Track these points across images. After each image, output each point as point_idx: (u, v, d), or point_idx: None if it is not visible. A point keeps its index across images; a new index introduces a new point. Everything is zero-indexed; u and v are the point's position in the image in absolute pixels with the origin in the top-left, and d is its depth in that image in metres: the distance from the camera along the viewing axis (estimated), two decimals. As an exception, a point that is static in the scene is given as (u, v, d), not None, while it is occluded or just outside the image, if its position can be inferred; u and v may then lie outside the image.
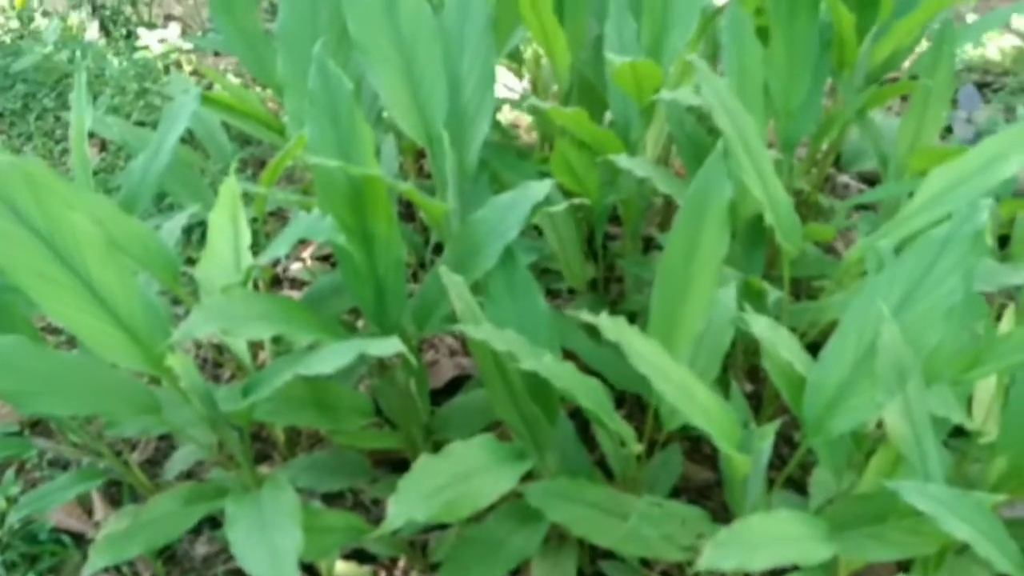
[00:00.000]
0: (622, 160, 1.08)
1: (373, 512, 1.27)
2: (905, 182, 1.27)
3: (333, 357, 0.73)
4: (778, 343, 0.91)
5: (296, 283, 1.77)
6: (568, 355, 1.36)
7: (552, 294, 1.56)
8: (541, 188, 1.00)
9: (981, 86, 2.95)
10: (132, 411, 0.90)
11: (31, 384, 0.85)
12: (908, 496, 0.78)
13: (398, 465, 1.23)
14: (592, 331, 1.44)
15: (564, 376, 0.83)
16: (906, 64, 2.33)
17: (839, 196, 1.98)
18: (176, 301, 1.51)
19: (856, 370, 0.85)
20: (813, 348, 0.97)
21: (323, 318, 0.90)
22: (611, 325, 0.76)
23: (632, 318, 1.46)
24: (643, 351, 0.76)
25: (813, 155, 1.57)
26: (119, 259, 0.84)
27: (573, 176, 1.22)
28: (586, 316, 0.79)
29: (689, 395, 0.78)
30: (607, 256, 1.57)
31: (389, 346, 0.72)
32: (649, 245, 1.66)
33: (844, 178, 1.97)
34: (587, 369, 1.19)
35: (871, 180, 1.95)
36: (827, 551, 0.80)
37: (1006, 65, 3.04)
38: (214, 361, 1.53)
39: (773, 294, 1.11)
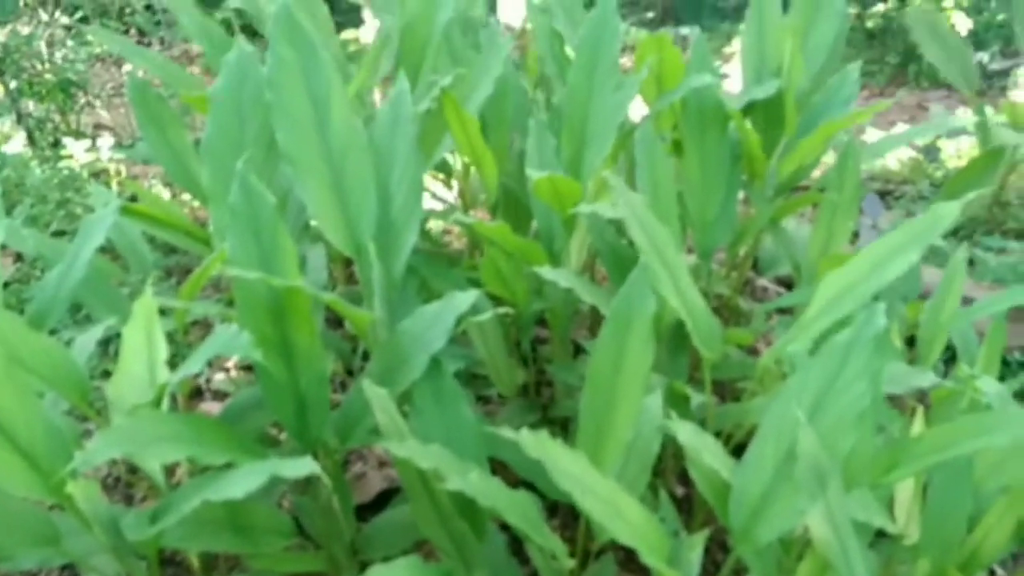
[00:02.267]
0: (546, 272, 1.10)
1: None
2: (811, 288, 1.33)
3: (244, 480, 0.70)
4: (703, 450, 0.91)
5: (219, 395, 1.71)
6: (498, 464, 1.34)
7: (482, 400, 1.55)
8: (466, 298, 1.01)
9: (883, 194, 3.15)
10: (29, 544, 0.84)
11: (-86, 516, 0.79)
12: (837, 608, 0.78)
13: (322, 588, 1.17)
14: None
15: (491, 494, 0.82)
16: (816, 172, 2.48)
17: (758, 299, 2.06)
18: (86, 418, 1.44)
19: (777, 476, 0.86)
20: (740, 449, 0.98)
21: (239, 436, 0.86)
22: (533, 442, 0.75)
23: (563, 424, 1.48)
24: (568, 467, 0.76)
25: (731, 261, 1.64)
26: (19, 379, 0.80)
27: (502, 284, 1.24)
28: (508, 433, 0.79)
29: (615, 511, 0.77)
30: (537, 360, 1.58)
31: (302, 467, 0.70)
32: (579, 349, 1.68)
33: (762, 281, 2.05)
34: (518, 479, 1.18)
35: (788, 284, 2.03)
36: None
37: (904, 175, 3.27)
38: (126, 481, 1.45)
39: (697, 398, 1.12)
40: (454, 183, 1.87)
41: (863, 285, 0.96)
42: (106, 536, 0.84)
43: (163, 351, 1.02)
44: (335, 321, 1.84)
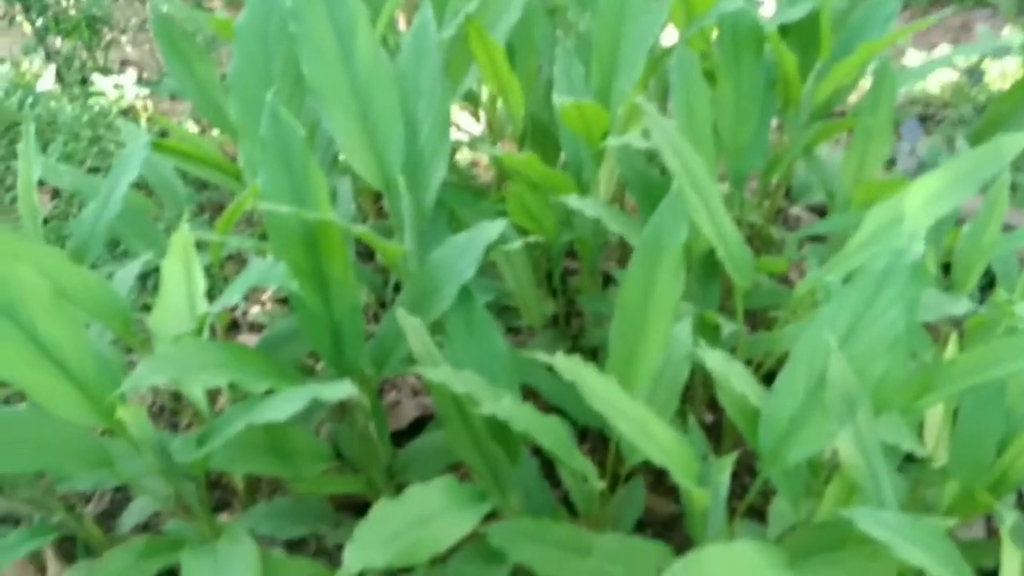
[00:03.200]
0: (573, 201, 1.09)
1: (336, 557, 1.25)
2: (850, 215, 1.31)
3: (286, 404, 0.72)
4: (732, 377, 0.92)
5: (255, 327, 1.75)
6: (529, 392, 1.37)
7: (512, 331, 1.57)
8: (495, 228, 1.01)
9: (923, 118, 3.06)
10: (84, 466, 0.88)
11: (-25, 442, 0.83)
12: (863, 524, 0.79)
13: (361, 509, 1.21)
14: (552, 367, 1.45)
15: (523, 418, 0.84)
16: (853, 97, 2.41)
17: (791, 227, 2.03)
18: (130, 350, 1.49)
19: (807, 401, 0.87)
20: (770, 377, 0.99)
21: (278, 364, 0.89)
22: (567, 364, 0.77)
23: (593, 353, 1.49)
24: (600, 390, 0.77)
25: (764, 189, 1.61)
26: (67, 311, 0.82)
27: (529, 216, 1.24)
28: (542, 356, 0.80)
29: (646, 432, 0.78)
30: (566, 291, 1.59)
31: (342, 390, 0.72)
32: (608, 279, 1.68)
33: (795, 210, 2.02)
34: (548, 406, 1.20)
35: (821, 211, 2.00)
36: (786, 582, 0.81)
37: (946, 98, 3.16)
38: (171, 409, 1.51)
39: (728, 327, 1.13)
40: (481, 113, 1.85)
41: (911, 219, 0.94)
42: (156, 459, 0.87)
43: (201, 283, 1.04)
44: (366, 254, 1.86)
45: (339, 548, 1.25)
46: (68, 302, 0.95)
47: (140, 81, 2.57)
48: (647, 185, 1.30)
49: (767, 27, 1.39)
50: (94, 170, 2.19)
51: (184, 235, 0.94)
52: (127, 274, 1.27)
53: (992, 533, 1.22)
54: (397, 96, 1.18)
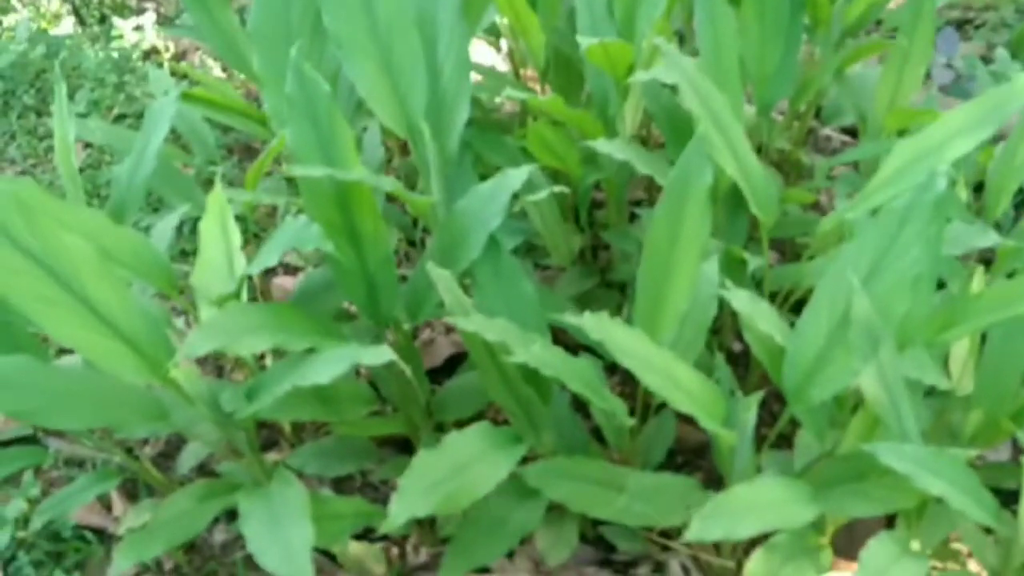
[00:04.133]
0: (600, 145, 1.09)
1: (382, 491, 1.32)
2: (882, 142, 1.29)
3: (328, 366, 0.76)
4: (757, 316, 0.94)
5: (290, 269, 1.79)
6: (558, 332, 1.40)
7: (540, 268, 1.59)
8: (519, 175, 1.02)
9: (962, 23, 2.93)
10: (140, 419, 0.94)
11: (39, 402, 0.89)
12: (885, 457, 0.82)
13: (403, 445, 1.27)
14: (581, 303, 1.48)
15: (553, 363, 0.87)
16: (892, 4, 2.32)
17: (821, 149, 2.00)
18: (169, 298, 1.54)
19: (831, 340, 0.89)
20: (799, 307, 1.00)
21: (318, 319, 0.93)
22: (595, 324, 0.79)
23: (621, 288, 1.51)
24: (626, 345, 0.79)
25: (793, 113, 1.58)
26: (114, 274, 0.86)
27: (553, 156, 1.24)
28: (570, 318, 0.81)
29: (673, 382, 0.81)
30: (593, 225, 1.60)
31: (380, 355, 0.76)
32: (635, 213, 1.69)
33: (826, 131, 1.98)
34: (578, 345, 1.23)
35: (854, 132, 1.96)
36: (810, 513, 0.85)
37: (987, 0, 3.02)
38: (215, 355, 1.57)
39: (754, 262, 1.14)
40: (503, 44, 1.83)
41: (932, 157, 0.93)
42: (208, 410, 0.93)
43: (238, 238, 1.07)
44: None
45: (384, 483, 1.33)
46: (113, 264, 0.99)
47: (159, 20, 2.56)
48: (673, 118, 1.28)
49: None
50: (121, 117, 2.21)
51: (218, 195, 0.96)
52: (165, 227, 1.30)
53: (1018, 455, 1.25)
54: (418, 39, 1.17)
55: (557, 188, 1.06)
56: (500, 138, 1.34)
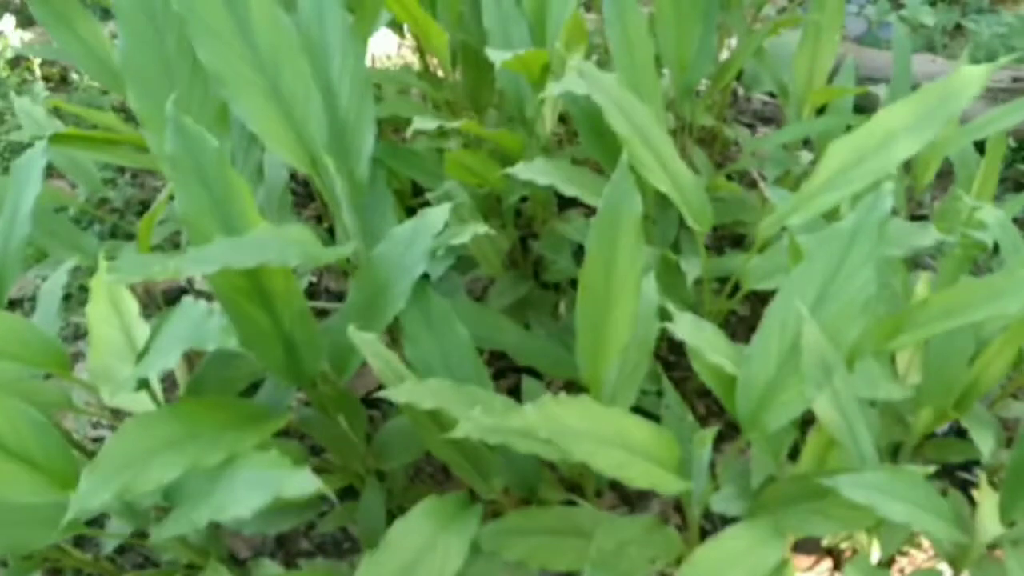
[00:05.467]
0: (521, 170, 1.02)
1: (328, 541, 1.25)
2: (807, 123, 1.26)
3: (248, 497, 0.69)
4: (704, 345, 0.90)
5: (202, 294, 1.67)
6: (497, 355, 1.34)
7: (472, 280, 1.52)
8: (439, 215, 0.94)
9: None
10: (45, 534, 0.84)
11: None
12: (846, 491, 0.80)
13: (347, 490, 1.20)
14: (518, 311, 1.42)
15: (497, 428, 0.80)
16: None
17: (742, 111, 1.96)
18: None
19: (783, 367, 0.85)
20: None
21: (232, 411, 0.84)
22: (541, 418, 0.71)
23: (556, 287, 1.46)
24: (575, 427, 0.73)
25: (714, 91, 1.53)
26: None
27: (475, 176, 1.16)
28: (516, 418, 0.73)
29: (627, 447, 0.76)
30: (519, 222, 1.52)
31: (304, 484, 0.68)
32: (563, 204, 1.62)
33: (746, 94, 1.94)
34: (517, 368, 1.18)
35: (773, 94, 1.93)
36: (777, 552, 0.83)
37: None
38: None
39: (690, 269, 1.09)
40: (405, 31, 1.71)
41: (877, 158, 0.89)
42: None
43: (134, 307, 0.97)
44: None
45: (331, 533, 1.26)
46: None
47: (21, 23, 2.32)
48: (591, 118, 1.21)
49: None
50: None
51: (102, 283, 0.86)
52: (53, 287, 1.18)
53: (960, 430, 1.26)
54: (307, 63, 1.06)
55: (481, 229, 0.97)
56: (411, 154, 1.25)
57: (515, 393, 1.16)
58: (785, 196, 1.05)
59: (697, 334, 0.91)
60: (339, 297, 1.63)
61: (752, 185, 1.63)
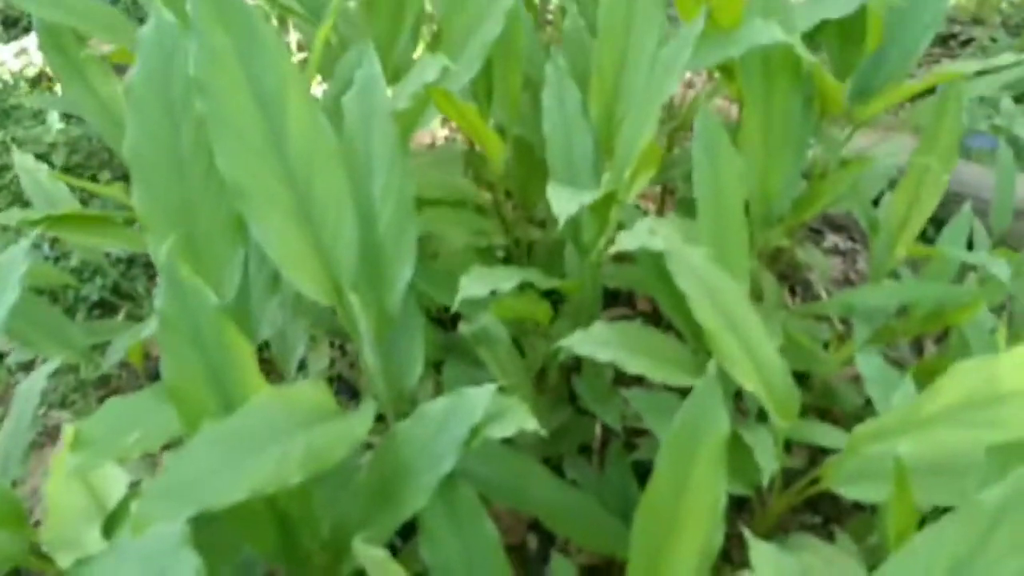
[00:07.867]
0: (578, 343, 0.86)
1: None
2: (904, 285, 1.09)
3: None
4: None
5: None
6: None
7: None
8: (481, 398, 0.78)
9: (946, 38, 2.75)
10: None
11: None
12: None
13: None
14: (554, 445, 1.25)
15: None
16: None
17: (814, 230, 1.80)
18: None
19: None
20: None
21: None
22: None
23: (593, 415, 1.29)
24: None
25: (790, 221, 1.36)
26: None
27: (521, 317, 1.01)
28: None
29: None
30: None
31: None
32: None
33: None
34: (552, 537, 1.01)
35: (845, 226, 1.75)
36: None
37: (971, 10, 2.84)
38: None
39: (765, 461, 0.93)
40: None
41: (1009, 403, 0.72)
42: None
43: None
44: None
45: None
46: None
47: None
48: (658, 261, 1.06)
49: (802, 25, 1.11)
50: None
51: (63, 465, 0.71)
52: (30, 392, 1.04)
53: None
54: (344, 178, 0.91)
55: (531, 424, 0.79)
56: (448, 276, 1.09)
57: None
58: (887, 405, 0.88)
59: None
60: (353, 393, 1.48)
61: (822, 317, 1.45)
